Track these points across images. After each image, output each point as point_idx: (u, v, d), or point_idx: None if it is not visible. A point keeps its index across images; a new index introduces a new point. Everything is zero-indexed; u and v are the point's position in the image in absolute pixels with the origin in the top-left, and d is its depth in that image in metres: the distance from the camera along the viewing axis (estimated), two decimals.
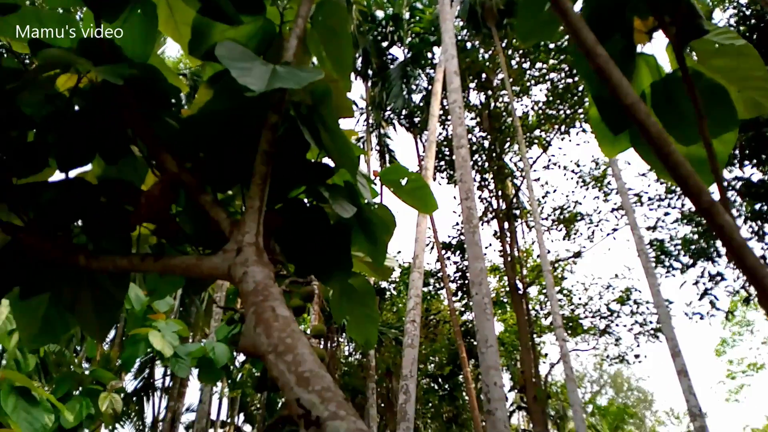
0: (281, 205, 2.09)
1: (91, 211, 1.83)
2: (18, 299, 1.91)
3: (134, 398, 17.22)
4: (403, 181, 2.46)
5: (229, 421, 23.06)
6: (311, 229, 2.21)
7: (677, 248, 15.78)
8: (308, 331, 1.47)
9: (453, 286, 18.42)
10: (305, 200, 2.25)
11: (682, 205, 16.02)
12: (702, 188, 0.83)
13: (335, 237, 2.26)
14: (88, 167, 2.00)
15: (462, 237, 17.87)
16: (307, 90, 1.72)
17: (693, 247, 15.20)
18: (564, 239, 19.21)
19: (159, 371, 18.31)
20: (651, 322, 17.30)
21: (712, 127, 1.26)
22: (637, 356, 18.27)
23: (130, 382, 18.86)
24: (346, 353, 21.46)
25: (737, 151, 12.54)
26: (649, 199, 16.78)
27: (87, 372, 5.06)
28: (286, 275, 1.71)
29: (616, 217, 18.26)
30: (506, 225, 17.83)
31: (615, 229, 18.33)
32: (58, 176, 1.94)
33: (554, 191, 19.72)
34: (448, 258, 18.67)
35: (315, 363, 1.05)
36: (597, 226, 18.59)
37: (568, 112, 17.67)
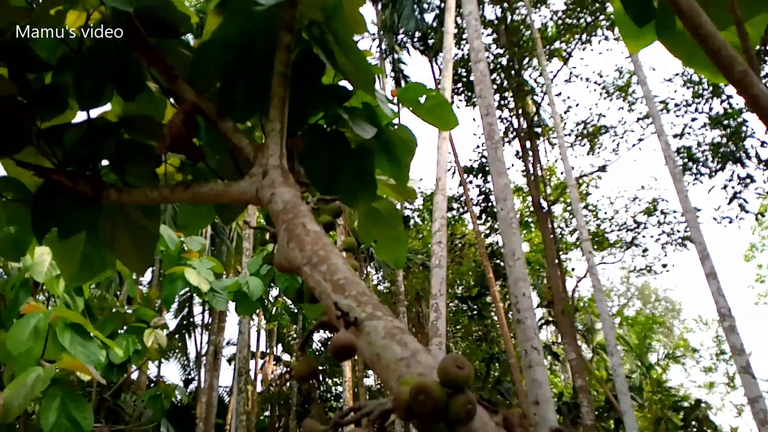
0: (301, 132, 2.09)
1: (116, 148, 1.85)
2: (57, 240, 1.99)
3: (176, 336, 18.08)
4: (422, 99, 2.42)
5: (268, 351, 24.14)
6: (333, 153, 2.21)
7: (705, 154, 15.42)
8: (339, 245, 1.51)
9: (476, 209, 18.46)
10: (325, 126, 2.24)
11: (710, 109, 15.51)
12: (734, 59, 0.80)
13: (358, 159, 2.27)
14: (108, 107, 2.02)
15: (483, 159, 17.71)
16: (318, 6, 1.67)
17: (721, 151, 14.83)
18: (588, 154, 18.89)
19: (197, 309, 19.09)
20: (678, 231, 17.21)
21: (743, 8, 1.20)
22: (664, 266, 18.31)
23: (171, 321, 19.73)
24: (375, 282, 21.95)
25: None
26: (676, 105, 16.25)
27: (129, 312, 5.30)
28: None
29: (641, 126, 17.81)
30: (528, 144, 17.56)
31: (641, 139, 17.92)
32: (80, 118, 1.97)
33: (576, 105, 19.26)
34: (471, 182, 18.59)
35: (349, 271, 1.08)
36: (622, 137, 18.19)
37: (588, 19, 16.89)
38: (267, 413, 23.53)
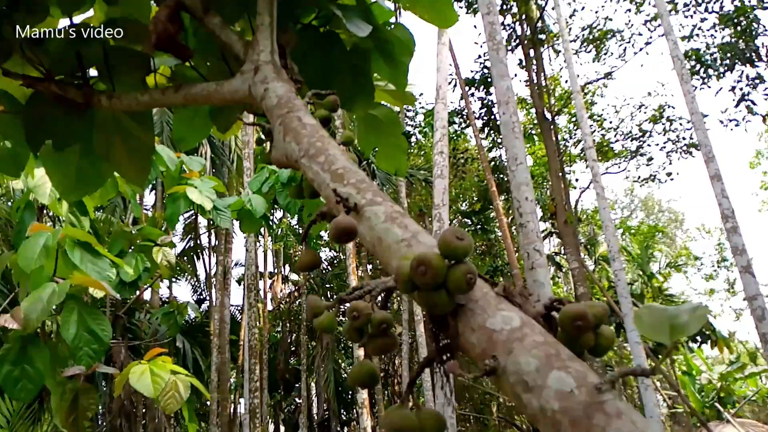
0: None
1: (104, 55, 1.79)
2: (52, 154, 1.96)
3: (185, 258, 18.45)
4: None
5: (276, 271, 24.71)
6: (327, 55, 2.13)
7: (714, 56, 14.93)
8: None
9: (479, 123, 18.18)
10: (318, 26, 2.15)
11: (721, 8, 14.86)
12: None
13: (354, 61, 2.19)
14: (91, 12, 1.93)
15: (485, 70, 17.23)
16: None
17: (730, 53, 14.35)
18: (594, 61, 18.34)
19: (204, 234, 19.36)
20: (684, 138, 17.02)
21: None
22: (669, 174, 18.24)
23: (178, 245, 20.10)
24: None
25: None
26: (685, 5, 15.56)
27: (135, 232, 5.36)
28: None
29: (648, 29, 17.13)
30: (531, 52, 16.99)
31: (648, 43, 17.30)
32: (63, 25, 1.88)
33: (582, 9, 18.43)
34: (472, 94, 18.18)
35: (347, 161, 1.06)
36: (629, 42, 17.56)
37: None
38: (278, 330, 24.45)
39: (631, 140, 18.16)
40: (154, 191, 13.81)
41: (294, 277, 25.25)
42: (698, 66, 15.26)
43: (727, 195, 7.35)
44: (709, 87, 15.62)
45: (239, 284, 23.63)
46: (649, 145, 17.97)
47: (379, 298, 0.82)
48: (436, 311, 0.73)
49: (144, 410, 10.34)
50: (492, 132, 18.31)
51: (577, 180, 19.44)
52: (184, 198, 5.50)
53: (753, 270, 7.20)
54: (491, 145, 18.94)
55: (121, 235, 5.18)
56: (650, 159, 18.20)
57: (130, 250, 5.24)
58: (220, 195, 6.38)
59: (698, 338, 16.61)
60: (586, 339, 0.75)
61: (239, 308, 21.46)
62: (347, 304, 0.80)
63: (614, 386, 0.63)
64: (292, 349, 23.80)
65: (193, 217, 18.82)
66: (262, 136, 1.38)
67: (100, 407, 9.94)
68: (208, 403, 15.25)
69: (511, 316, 0.71)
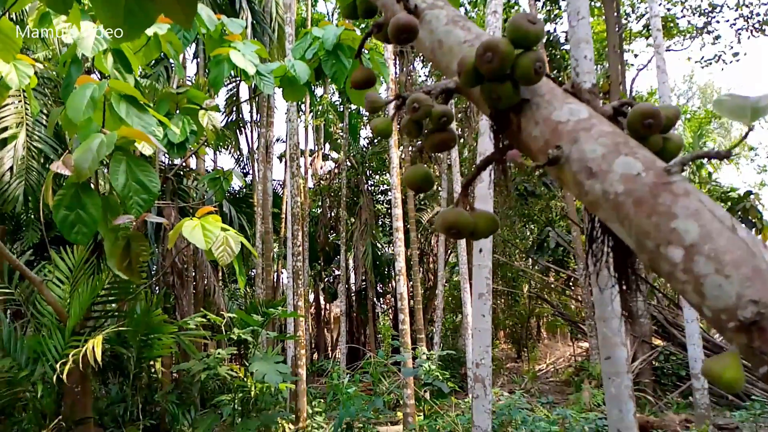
0: None
1: None
2: None
3: (227, 131, 18.67)
4: None
5: (316, 149, 24.88)
6: None
7: None
8: None
9: None
10: None
11: None
12: None
13: None
14: None
15: None
16: None
17: None
18: None
19: (246, 108, 19.37)
20: (758, 15, 15.55)
21: None
22: (735, 54, 16.92)
23: (220, 118, 20.28)
24: (421, 78, 21.38)
25: None
26: None
27: (181, 94, 5.38)
28: None
29: None
30: None
31: None
32: None
33: None
34: None
35: None
36: None
37: None
38: (319, 206, 25.12)
39: (699, 15, 16.71)
40: (196, 59, 13.68)
41: (334, 155, 25.44)
42: None
43: None
44: None
45: (280, 161, 23.99)
46: (717, 21, 16.55)
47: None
48: (500, 105, 0.71)
49: (194, 272, 11.06)
50: (548, 2, 17.09)
51: (636, 56, 18.25)
52: (227, 61, 5.43)
53: None
54: (545, 17, 17.76)
55: (166, 96, 5.22)
56: (717, 37, 16.84)
57: (177, 113, 5.31)
58: (262, 61, 6.27)
59: (743, 225, 16.33)
60: (654, 141, 0.72)
61: (281, 183, 21.98)
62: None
63: (683, 169, 0.61)
64: (332, 224, 24.57)
65: (235, 90, 18.77)
66: None
67: (152, 264, 10.64)
68: (254, 270, 16.19)
69: (579, 109, 0.69)
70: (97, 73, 6.61)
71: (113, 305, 6.41)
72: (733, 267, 0.52)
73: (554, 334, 26.09)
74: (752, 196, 16.27)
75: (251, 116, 19.68)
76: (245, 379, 6.24)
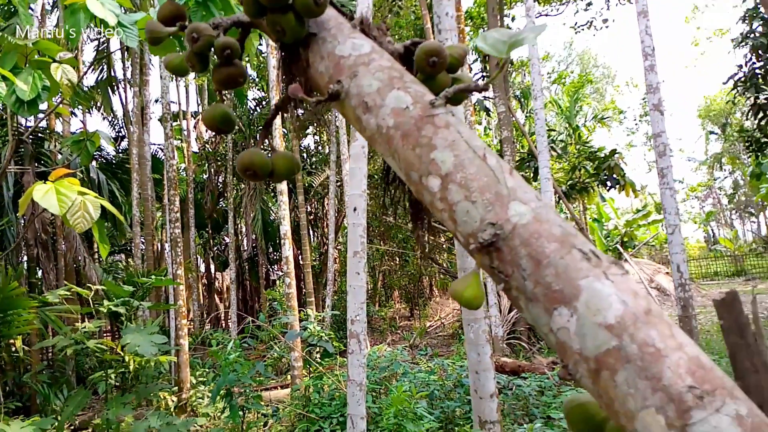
0: None
1: None
2: None
3: (98, 90, 17.17)
4: None
5: (200, 111, 23.65)
6: None
7: None
8: None
9: None
10: None
11: None
12: None
13: None
14: None
15: None
16: None
17: None
18: None
19: (119, 68, 17.86)
20: None
21: None
22: (605, 21, 18.33)
23: (89, 75, 18.59)
24: None
25: None
26: None
27: (31, 45, 4.83)
28: None
29: None
30: None
31: None
32: None
33: None
34: None
35: None
36: None
37: None
38: (205, 170, 24.06)
39: None
40: (56, 10, 12.33)
41: None
42: None
43: (650, 33, 7.44)
44: None
45: (161, 123, 22.55)
46: None
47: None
48: (285, 38, 0.69)
49: (63, 242, 10.20)
50: None
51: (513, 20, 19.03)
52: (84, 10, 4.93)
53: (663, 107, 7.56)
54: None
55: (12, 47, 4.65)
56: (589, 4, 18.01)
57: (26, 67, 4.75)
58: (126, 11, 5.76)
59: (608, 183, 17.85)
60: (441, 79, 0.74)
61: (161, 147, 20.72)
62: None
63: (448, 102, 0.62)
64: (220, 190, 23.68)
65: (105, 45, 17.24)
66: None
67: (10, 234, 9.72)
68: (133, 240, 15.27)
69: (361, 44, 0.68)
70: None
71: None
72: (479, 193, 0.54)
73: (445, 291, 27.32)
74: (616, 155, 17.81)
75: (124, 75, 18.21)
76: (122, 353, 5.94)
